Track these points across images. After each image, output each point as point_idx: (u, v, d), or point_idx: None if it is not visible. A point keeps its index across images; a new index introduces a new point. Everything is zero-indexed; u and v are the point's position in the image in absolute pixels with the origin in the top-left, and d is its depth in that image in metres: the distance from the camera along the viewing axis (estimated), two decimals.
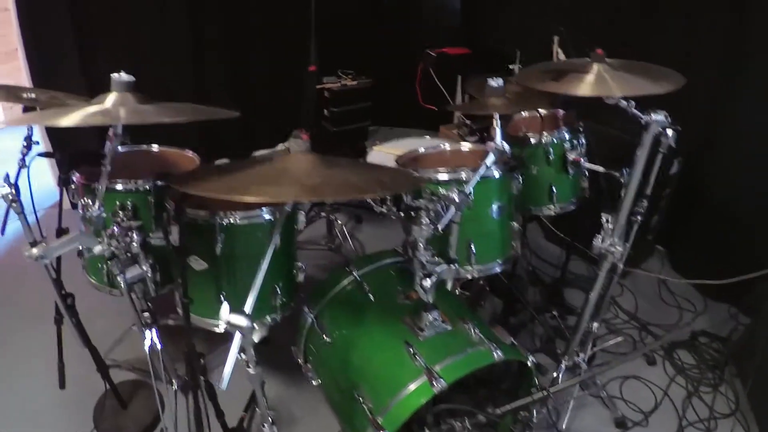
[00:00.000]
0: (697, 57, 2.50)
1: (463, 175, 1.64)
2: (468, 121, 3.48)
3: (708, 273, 2.56)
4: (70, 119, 1.27)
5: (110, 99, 1.38)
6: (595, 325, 2.06)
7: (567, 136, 1.93)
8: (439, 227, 1.48)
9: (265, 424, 1.49)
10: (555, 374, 1.95)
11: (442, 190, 1.51)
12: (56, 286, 1.79)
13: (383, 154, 2.22)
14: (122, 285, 1.62)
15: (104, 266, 1.89)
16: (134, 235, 1.61)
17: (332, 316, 1.85)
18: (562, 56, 2.11)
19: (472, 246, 1.69)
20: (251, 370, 1.30)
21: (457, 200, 1.45)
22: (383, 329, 1.71)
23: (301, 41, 3.06)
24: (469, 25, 4.22)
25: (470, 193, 1.51)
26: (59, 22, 3.03)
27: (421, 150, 1.96)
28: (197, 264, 1.70)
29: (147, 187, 1.81)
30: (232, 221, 1.66)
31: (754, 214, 2.49)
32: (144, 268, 1.64)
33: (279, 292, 1.78)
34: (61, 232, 1.82)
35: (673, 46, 2.53)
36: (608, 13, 2.88)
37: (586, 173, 2.00)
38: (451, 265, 1.54)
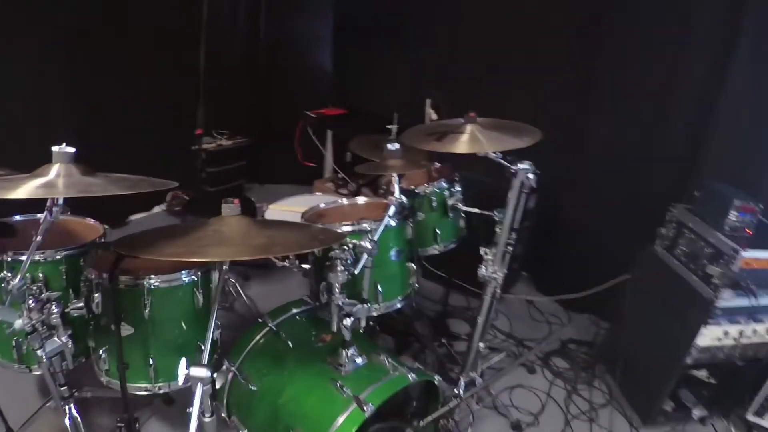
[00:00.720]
0: (545, 112, 3.00)
1: (366, 226, 1.89)
2: (341, 175, 3.80)
3: (567, 290, 3.02)
4: (19, 192, 1.32)
5: (53, 171, 1.43)
6: (481, 345, 2.39)
7: (446, 185, 2.26)
8: (356, 272, 1.72)
9: None
10: (456, 390, 2.22)
11: (353, 241, 1.75)
12: None
13: (280, 212, 2.41)
14: (43, 359, 1.64)
15: (14, 342, 1.86)
16: (53, 306, 1.65)
17: (254, 366, 1.97)
18: (434, 116, 2.46)
19: (379, 287, 1.92)
20: (207, 419, 1.41)
21: (369, 248, 1.70)
22: (307, 371, 1.88)
23: (182, 103, 3.10)
24: (341, 86, 4.54)
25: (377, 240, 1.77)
26: None
27: (322, 206, 2.17)
28: (124, 329, 1.76)
29: (58, 256, 1.84)
30: (158, 284, 1.74)
31: (599, 235, 2.98)
32: (63, 339, 1.67)
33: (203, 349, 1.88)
34: None
35: (525, 104, 3.01)
36: (471, 77, 3.28)
37: (463, 215, 2.33)
38: (365, 305, 1.78)
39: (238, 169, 4.24)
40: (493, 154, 1.92)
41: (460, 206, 2.25)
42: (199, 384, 1.35)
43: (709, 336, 2.11)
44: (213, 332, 1.93)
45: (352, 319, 1.74)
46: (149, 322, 1.76)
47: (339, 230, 1.82)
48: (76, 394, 1.99)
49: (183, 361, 1.36)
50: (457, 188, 2.30)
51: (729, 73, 2.43)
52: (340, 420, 1.68)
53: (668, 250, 2.37)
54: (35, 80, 3.29)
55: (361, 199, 2.24)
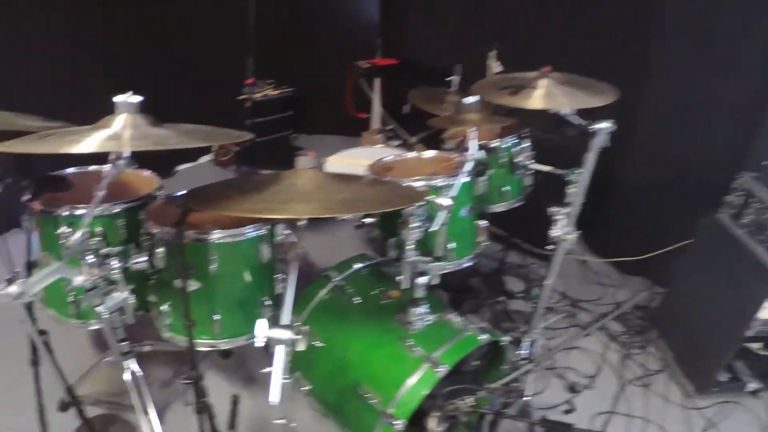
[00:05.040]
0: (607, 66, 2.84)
1: (438, 182, 1.81)
2: (389, 126, 3.69)
3: (621, 251, 2.93)
4: (84, 145, 1.22)
5: (118, 122, 1.32)
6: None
7: (514, 141, 2.15)
8: (432, 229, 1.64)
9: None
10: (520, 351, 2.16)
11: (430, 197, 1.66)
12: (33, 323, 1.70)
13: (340, 164, 2.32)
14: (104, 315, 1.59)
15: (72, 297, 1.83)
16: (114, 261, 1.60)
17: (319, 322, 1.92)
18: (498, 69, 2.34)
19: (450, 244, 1.85)
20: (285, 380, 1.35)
21: (447, 204, 1.61)
22: (375, 328, 1.84)
23: (228, 52, 3.01)
24: (388, 36, 4.35)
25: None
26: None
27: (388, 158, 2.09)
28: (189, 285, 1.70)
29: (116, 210, 1.79)
30: (224, 239, 1.68)
31: (656, 199, 2.85)
32: (124, 295, 1.62)
33: (269, 304, 1.84)
34: (30, 265, 1.74)
35: (581, 57, 2.85)
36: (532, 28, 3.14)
37: (529, 172, 2.24)
38: (438, 263, 1.71)
39: (284, 119, 4.12)
40: (566, 111, 1.80)
41: (529, 163, 2.14)
42: (280, 347, 1.29)
43: None
44: (280, 287, 1.89)
45: (427, 277, 1.67)
46: (215, 278, 1.71)
47: (409, 185, 1.73)
48: (135, 348, 1.97)
49: (262, 322, 1.28)
50: (526, 144, 2.19)
51: None
52: (412, 380, 1.65)
53: (734, 219, 2.26)
54: (81, 28, 3.21)
55: (427, 153, 2.14)
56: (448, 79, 2.28)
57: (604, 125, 1.74)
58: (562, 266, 3.12)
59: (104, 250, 1.67)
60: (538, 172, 2.22)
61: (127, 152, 1.38)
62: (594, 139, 1.76)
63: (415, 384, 1.64)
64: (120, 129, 1.32)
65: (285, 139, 4.20)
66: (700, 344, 2.35)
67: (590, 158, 1.81)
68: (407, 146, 3.04)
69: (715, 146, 2.65)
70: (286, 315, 1.35)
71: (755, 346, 2.24)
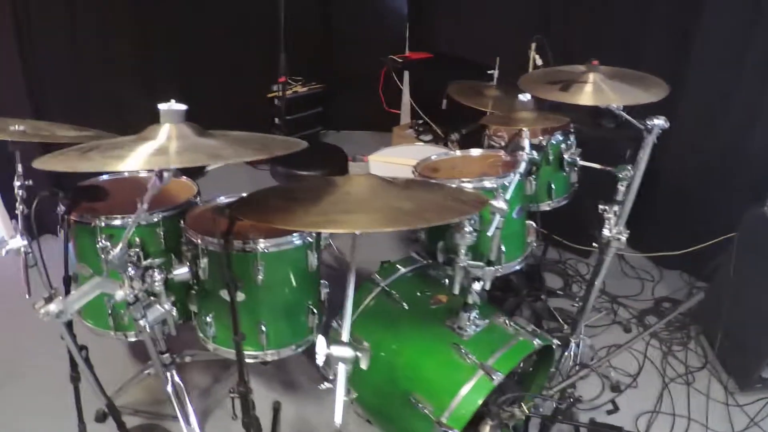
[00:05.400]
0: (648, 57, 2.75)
1: (488, 183, 1.74)
2: (420, 122, 3.60)
3: (659, 245, 2.87)
4: (130, 162, 1.11)
5: (163, 133, 1.21)
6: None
7: (561, 138, 2.08)
8: (489, 233, 1.58)
9: None
10: (567, 353, 2.11)
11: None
12: (72, 339, 1.63)
13: (383, 164, 2.25)
14: (146, 329, 1.53)
15: (110, 309, 1.77)
16: (156, 274, 1.53)
17: (367, 329, 1.85)
18: (539, 62, 2.25)
19: (502, 246, 1.79)
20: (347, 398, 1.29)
21: (503, 208, 1.54)
22: (425, 334, 1.78)
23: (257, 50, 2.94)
24: (418, 30, 4.22)
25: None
26: None
27: (433, 158, 2.01)
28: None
29: (155, 219, 1.73)
30: (270, 248, 1.63)
31: (695, 192, 2.79)
32: (167, 307, 1.56)
33: (315, 312, 1.79)
34: (68, 280, 1.69)
35: (626, 48, 2.76)
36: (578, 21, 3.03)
37: (576, 169, 2.16)
38: (491, 267, 1.65)
39: (314, 116, 4.07)
40: (614, 107, 1.72)
41: (578, 160, 2.06)
42: (341, 364, 1.23)
43: None
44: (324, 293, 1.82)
45: (481, 282, 1.61)
46: (261, 288, 1.66)
47: (458, 186, 1.66)
48: (177, 360, 1.92)
49: (320, 339, 1.22)
50: (573, 140, 2.11)
51: None
52: (467, 388, 1.58)
53: None
54: (108, 30, 3.14)
55: (474, 151, 2.06)
56: (489, 72, 2.19)
57: (659, 122, 1.67)
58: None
59: (145, 262, 1.63)
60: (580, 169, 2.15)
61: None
62: (648, 136, 1.69)
63: (470, 392, 1.58)
64: (165, 141, 1.21)
65: (314, 137, 4.13)
66: (742, 340, 2.29)
67: (643, 156, 1.74)
68: (445, 143, 2.97)
69: (754, 138, 2.57)
70: (345, 331, 1.29)
71: None
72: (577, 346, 2.13)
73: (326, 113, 4.18)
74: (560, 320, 2.53)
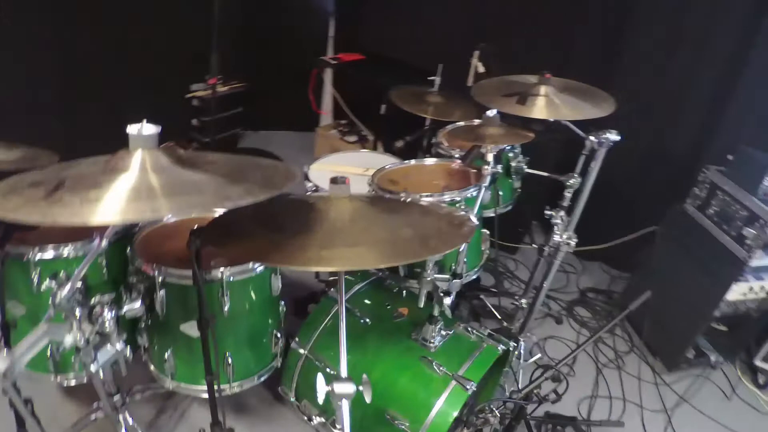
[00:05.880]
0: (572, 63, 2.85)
1: (448, 197, 1.75)
2: (344, 121, 3.54)
3: (583, 240, 3.03)
4: (112, 212, 0.91)
5: (135, 162, 1.02)
6: (523, 301, 2.43)
7: (509, 147, 2.12)
8: (459, 249, 1.59)
9: None
10: (516, 351, 2.17)
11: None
12: (18, 396, 1.42)
13: (327, 172, 2.14)
14: (98, 372, 1.39)
15: (49, 351, 1.59)
16: (106, 311, 1.38)
17: (330, 347, 1.80)
18: (481, 69, 2.28)
19: (464, 257, 1.81)
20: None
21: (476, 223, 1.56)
22: (394, 349, 1.75)
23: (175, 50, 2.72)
24: (345, 30, 4.06)
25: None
26: None
27: (387, 167, 1.96)
28: (193, 330, 1.54)
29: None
30: (236, 276, 1.54)
31: (617, 190, 2.87)
32: (119, 347, 1.40)
33: (279, 336, 1.72)
34: (6, 327, 1.47)
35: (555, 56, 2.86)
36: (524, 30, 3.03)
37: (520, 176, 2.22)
38: (456, 279, 1.65)
39: (235, 117, 3.84)
40: (566, 121, 1.81)
41: (524, 167, 2.13)
42: (344, 401, 1.20)
43: (737, 291, 2.22)
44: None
45: (452, 296, 1.63)
46: (228, 319, 1.57)
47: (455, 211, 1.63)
48: (128, 400, 1.75)
49: (320, 377, 1.17)
50: (518, 148, 2.17)
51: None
52: (441, 400, 1.59)
53: (700, 210, 2.41)
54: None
55: (428, 161, 2.04)
56: (430, 78, 2.18)
57: (612, 137, 1.77)
58: (524, 255, 3.23)
59: (94, 300, 1.46)
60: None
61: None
62: (600, 148, 1.78)
63: (445, 404, 1.59)
64: (140, 173, 1.03)
65: (233, 138, 3.94)
66: (668, 325, 2.50)
67: (594, 167, 1.84)
68: (374, 145, 2.89)
69: (675, 139, 2.78)
70: (343, 367, 1.24)
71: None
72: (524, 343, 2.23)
73: (246, 113, 3.99)
74: (499, 317, 2.62)
